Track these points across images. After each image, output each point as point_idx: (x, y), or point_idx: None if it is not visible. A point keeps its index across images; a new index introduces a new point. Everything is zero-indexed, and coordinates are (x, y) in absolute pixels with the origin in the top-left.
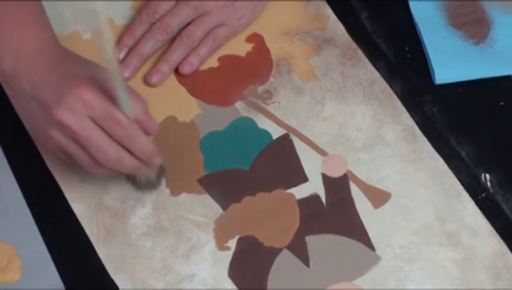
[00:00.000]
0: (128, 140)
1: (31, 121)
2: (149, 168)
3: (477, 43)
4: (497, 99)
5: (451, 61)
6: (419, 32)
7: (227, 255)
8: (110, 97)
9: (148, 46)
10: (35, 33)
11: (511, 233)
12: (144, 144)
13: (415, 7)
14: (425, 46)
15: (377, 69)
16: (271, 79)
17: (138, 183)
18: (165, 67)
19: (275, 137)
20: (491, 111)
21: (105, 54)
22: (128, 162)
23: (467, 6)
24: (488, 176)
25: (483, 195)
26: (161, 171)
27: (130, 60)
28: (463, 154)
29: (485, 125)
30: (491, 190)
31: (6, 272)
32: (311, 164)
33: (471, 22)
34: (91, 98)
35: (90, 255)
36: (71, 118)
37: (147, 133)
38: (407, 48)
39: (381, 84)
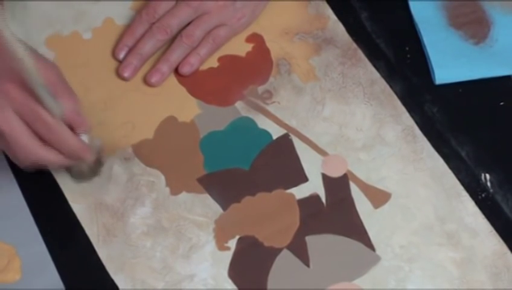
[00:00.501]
0: (54, 138)
1: None
2: (81, 162)
3: (477, 43)
4: (497, 99)
5: (451, 62)
6: (419, 32)
7: (227, 255)
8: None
9: (148, 46)
10: None
11: (511, 233)
12: (70, 142)
13: (415, 7)
14: (425, 46)
15: (377, 69)
16: (271, 79)
17: (73, 173)
18: (165, 67)
19: (275, 137)
20: (491, 111)
21: (15, 54)
22: (55, 159)
23: (467, 6)
24: (488, 176)
25: (483, 195)
26: (98, 163)
27: (130, 60)
28: (463, 154)
29: (485, 125)
30: (491, 190)
31: (6, 272)
32: (311, 164)
33: (471, 22)
34: (17, 94)
35: (90, 255)
36: None
37: (77, 130)
38: (407, 48)
39: (381, 84)
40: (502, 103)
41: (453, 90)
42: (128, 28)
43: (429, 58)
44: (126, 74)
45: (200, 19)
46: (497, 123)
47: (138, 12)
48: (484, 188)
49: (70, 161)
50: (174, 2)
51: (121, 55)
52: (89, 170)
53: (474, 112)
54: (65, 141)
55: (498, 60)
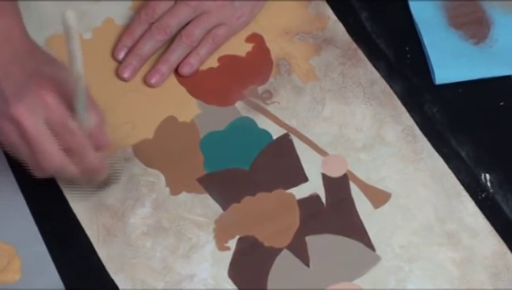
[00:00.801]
0: (77, 152)
1: None
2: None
3: (477, 43)
4: (497, 99)
5: (451, 62)
6: (419, 32)
7: (227, 255)
8: (69, 103)
9: (147, 47)
10: (1, 19)
11: (511, 233)
12: (91, 159)
13: (415, 7)
14: (425, 46)
15: (377, 69)
16: (271, 79)
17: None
18: (165, 68)
19: (275, 137)
20: (491, 111)
21: (72, 62)
22: (71, 172)
23: (467, 6)
24: (488, 176)
25: (483, 195)
26: (108, 180)
27: (129, 60)
28: (463, 154)
29: (485, 125)
30: (491, 190)
31: (6, 272)
32: (311, 164)
33: (471, 22)
34: (52, 101)
35: (90, 255)
36: (27, 117)
37: (98, 147)
38: (407, 48)
39: (381, 84)
40: (502, 103)
41: (453, 90)
42: (127, 28)
43: (429, 58)
44: (126, 75)
45: (199, 19)
46: (497, 123)
47: (137, 13)
48: (484, 188)
49: (82, 176)
50: (173, 2)
51: (121, 56)
52: (98, 185)
53: (474, 112)
54: (87, 158)
55: (498, 60)
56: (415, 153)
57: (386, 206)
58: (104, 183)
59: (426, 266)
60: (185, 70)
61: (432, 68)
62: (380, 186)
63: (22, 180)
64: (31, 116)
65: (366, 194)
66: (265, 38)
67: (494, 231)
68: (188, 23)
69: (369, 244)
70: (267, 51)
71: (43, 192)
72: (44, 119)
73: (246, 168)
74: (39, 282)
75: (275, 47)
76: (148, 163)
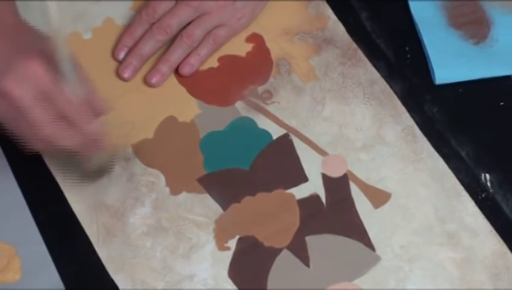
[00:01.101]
0: (73, 120)
1: None
2: (95, 154)
3: (477, 43)
4: (497, 99)
5: (451, 62)
6: (419, 32)
7: (227, 255)
8: (60, 75)
9: (147, 47)
10: None
11: (511, 233)
12: (92, 124)
13: (414, 7)
14: (425, 46)
15: (377, 69)
16: (271, 79)
17: (85, 169)
18: (165, 68)
19: (275, 137)
20: (491, 111)
21: (51, 29)
22: (71, 140)
23: (467, 6)
24: (488, 176)
25: (483, 195)
26: (111, 160)
27: (129, 60)
28: (463, 154)
29: (485, 125)
30: (491, 190)
31: (6, 272)
32: (311, 164)
33: (471, 22)
34: (41, 71)
35: (90, 255)
36: (16, 88)
37: (96, 113)
38: (407, 48)
39: (381, 84)
40: (502, 103)
41: (453, 90)
42: (127, 28)
43: (429, 58)
44: (126, 75)
45: (200, 19)
46: (497, 123)
47: (138, 13)
48: (484, 188)
49: (81, 147)
50: (174, 2)
51: (121, 56)
52: (105, 164)
53: (474, 112)
54: (87, 121)
55: (498, 60)
56: (415, 153)
57: (386, 206)
58: (98, 170)
59: (426, 266)
60: (185, 70)
61: (432, 68)
62: (380, 186)
63: (22, 180)
64: (19, 87)
65: (366, 194)
66: (265, 38)
67: (494, 231)
68: (188, 24)
69: (369, 244)
70: (267, 51)
71: (44, 192)
72: (34, 89)
73: (246, 168)
74: (39, 282)
75: (275, 47)
76: (148, 163)
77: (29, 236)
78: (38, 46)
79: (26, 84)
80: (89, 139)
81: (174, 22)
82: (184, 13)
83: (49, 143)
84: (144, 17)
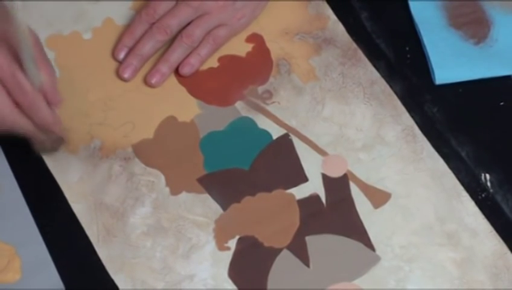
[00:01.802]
0: (31, 107)
1: None
2: (46, 136)
3: (477, 43)
4: (497, 99)
5: (451, 62)
6: (419, 32)
7: (227, 255)
8: (19, 62)
9: (147, 47)
10: None
11: (511, 233)
12: (44, 113)
13: (414, 7)
14: (425, 46)
15: (377, 69)
16: (271, 79)
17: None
18: (165, 68)
19: (275, 137)
20: (491, 111)
21: (14, 20)
22: (25, 126)
23: (467, 6)
24: (488, 176)
25: (483, 195)
26: (59, 140)
27: (130, 60)
28: (463, 154)
29: (485, 125)
30: (491, 190)
31: (6, 272)
32: (311, 164)
33: (471, 22)
34: (1, 58)
35: (90, 255)
36: None
37: (50, 103)
38: (407, 48)
39: (381, 84)
40: (502, 103)
41: (453, 90)
42: (127, 28)
43: (429, 59)
44: (126, 75)
45: (200, 19)
46: (497, 123)
47: (138, 13)
48: (484, 188)
49: (37, 131)
50: (174, 2)
51: (121, 56)
52: (51, 145)
53: (474, 112)
54: (40, 111)
55: (498, 60)
56: (415, 153)
57: (386, 206)
58: (57, 143)
59: (426, 266)
60: (186, 70)
61: (432, 68)
62: (379, 186)
63: (22, 180)
64: None
65: (366, 194)
66: (265, 38)
67: (494, 231)
68: (188, 24)
69: (369, 245)
70: (267, 51)
71: (43, 192)
72: None
73: (246, 168)
74: (39, 282)
75: (275, 47)
76: (148, 163)
77: (29, 236)
78: (1, 29)
79: None
80: (42, 125)
81: (174, 22)
82: (184, 13)
83: (4, 128)
84: (143, 17)
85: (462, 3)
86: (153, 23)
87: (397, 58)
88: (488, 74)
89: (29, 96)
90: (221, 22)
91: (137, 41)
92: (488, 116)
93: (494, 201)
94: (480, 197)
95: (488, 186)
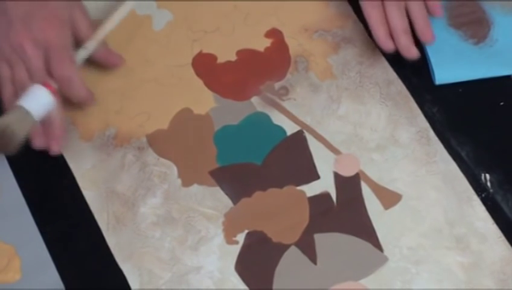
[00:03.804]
0: (64, 82)
1: None
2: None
3: (477, 43)
4: (497, 99)
5: (451, 62)
6: None
7: (235, 249)
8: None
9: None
10: None
11: (511, 233)
12: (78, 89)
13: None
14: (425, 46)
15: None
16: (288, 75)
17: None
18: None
19: (289, 133)
20: (491, 111)
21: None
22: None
23: (467, 6)
24: (488, 176)
25: (483, 195)
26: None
27: (403, 42)
28: (463, 154)
29: (485, 125)
30: (491, 190)
31: (6, 272)
32: (324, 162)
33: (471, 22)
34: (54, 35)
35: (90, 255)
36: (31, 46)
37: (113, 64)
38: None
39: (398, 85)
40: (502, 103)
41: (453, 90)
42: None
43: (429, 59)
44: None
45: None
46: (497, 123)
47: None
48: (484, 188)
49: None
50: None
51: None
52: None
53: (474, 112)
54: (75, 88)
55: (498, 60)
56: (428, 156)
57: (396, 208)
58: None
59: (433, 269)
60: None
61: (432, 68)
62: (391, 187)
63: (22, 180)
64: (33, 47)
65: (376, 195)
66: (285, 34)
67: (503, 237)
68: None
69: (377, 245)
70: (285, 47)
71: (44, 192)
72: (44, 51)
73: (258, 163)
74: (39, 282)
75: (294, 43)
76: (162, 153)
77: (29, 236)
78: (65, 12)
79: (39, 45)
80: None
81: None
82: None
83: None
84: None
85: (462, 3)
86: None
87: (397, 58)
88: (487, 74)
89: (65, 73)
90: None
91: (390, 22)
92: (488, 116)
93: (494, 201)
94: (480, 197)
95: (488, 186)
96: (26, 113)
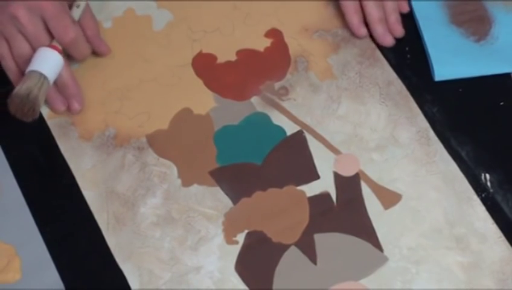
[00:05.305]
0: (70, 43)
1: None
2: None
3: (477, 41)
4: (497, 99)
5: (451, 58)
6: (420, 28)
7: (235, 249)
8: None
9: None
10: None
11: (511, 233)
12: (84, 48)
13: (416, 4)
14: (425, 42)
15: None
16: (288, 75)
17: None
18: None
19: (289, 133)
20: (491, 111)
21: None
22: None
23: (469, 4)
24: (488, 176)
25: (483, 195)
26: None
27: (379, 30)
28: (463, 154)
29: (485, 125)
30: (491, 190)
31: (6, 272)
32: (324, 161)
33: (473, 20)
34: (50, 3)
35: (90, 255)
36: (25, 14)
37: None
38: (407, 48)
39: (398, 85)
40: (502, 103)
41: (453, 90)
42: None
43: (429, 55)
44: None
45: None
46: (497, 123)
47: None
48: (484, 188)
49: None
50: None
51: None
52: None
53: (474, 112)
54: (80, 47)
55: (498, 57)
56: (428, 156)
57: (396, 208)
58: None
59: (433, 269)
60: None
61: (432, 64)
62: (391, 187)
63: (22, 180)
64: (28, 14)
65: (376, 195)
66: (285, 34)
67: (503, 237)
68: None
69: (377, 245)
70: (285, 47)
71: (43, 192)
72: (40, 18)
73: (258, 163)
74: (39, 282)
75: (294, 43)
76: (161, 153)
77: (29, 236)
78: None
79: (35, 13)
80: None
81: None
82: None
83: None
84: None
85: (464, 1)
86: None
87: (397, 58)
88: (488, 72)
89: (71, 35)
90: None
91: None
92: (488, 116)
93: (494, 201)
94: (480, 197)
95: (488, 186)
96: (43, 76)
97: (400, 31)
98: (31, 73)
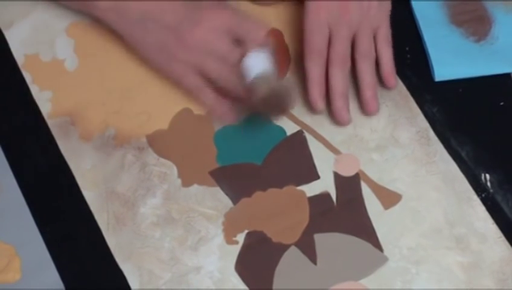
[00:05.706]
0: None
1: (155, 47)
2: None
3: (477, 41)
4: (497, 99)
5: (451, 58)
6: (420, 28)
7: (235, 249)
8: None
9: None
10: None
11: (511, 233)
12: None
13: (416, 4)
14: (425, 42)
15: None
16: (288, 76)
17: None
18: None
19: (289, 133)
20: (491, 111)
21: None
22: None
23: (469, 4)
24: (488, 176)
25: (483, 195)
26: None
27: (338, 104)
28: (463, 154)
29: (485, 125)
30: (491, 190)
31: (6, 272)
32: (324, 162)
33: (473, 20)
34: (228, 15)
35: (90, 255)
36: (212, 36)
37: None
38: (407, 48)
39: (398, 85)
40: (502, 103)
41: (453, 90)
42: (309, 82)
43: (429, 55)
44: (346, 118)
45: (360, 33)
46: (497, 123)
47: (308, 61)
48: (484, 188)
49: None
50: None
51: (320, 106)
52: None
53: (474, 112)
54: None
55: (498, 57)
56: (428, 156)
57: (396, 208)
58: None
59: (433, 269)
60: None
61: (432, 65)
62: (391, 187)
63: (22, 180)
64: (215, 34)
65: (376, 195)
66: (285, 34)
67: (503, 237)
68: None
69: (377, 245)
70: (285, 47)
71: (44, 192)
72: (227, 31)
73: (258, 163)
74: (39, 282)
75: (294, 43)
76: (162, 153)
77: (29, 236)
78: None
79: (219, 29)
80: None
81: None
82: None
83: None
84: (316, 59)
85: (464, 1)
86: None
87: (397, 58)
88: (487, 72)
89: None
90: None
91: (330, 81)
92: (488, 116)
93: (494, 201)
94: (480, 197)
95: (488, 186)
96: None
97: (374, 108)
98: (263, 75)
